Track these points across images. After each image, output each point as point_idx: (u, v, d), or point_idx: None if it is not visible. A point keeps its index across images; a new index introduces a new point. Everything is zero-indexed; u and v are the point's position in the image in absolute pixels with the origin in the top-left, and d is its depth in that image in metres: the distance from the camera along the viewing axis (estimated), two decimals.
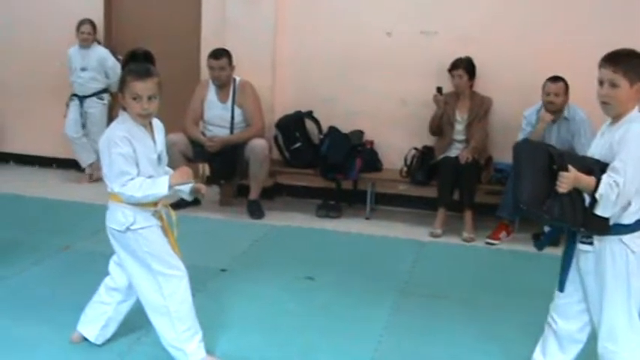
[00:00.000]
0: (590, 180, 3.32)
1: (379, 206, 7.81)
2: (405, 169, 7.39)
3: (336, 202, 7.65)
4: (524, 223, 6.88)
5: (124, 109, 3.87)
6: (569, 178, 3.31)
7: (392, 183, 7.68)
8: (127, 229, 3.84)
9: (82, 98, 8.40)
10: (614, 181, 3.26)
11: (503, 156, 7.18)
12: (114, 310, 4.18)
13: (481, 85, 7.31)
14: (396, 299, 5.22)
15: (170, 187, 3.78)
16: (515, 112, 6.97)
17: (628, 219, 3.38)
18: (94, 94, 8.41)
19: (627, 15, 7.01)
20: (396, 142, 7.62)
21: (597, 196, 3.28)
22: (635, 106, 3.43)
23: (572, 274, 3.62)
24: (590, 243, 3.46)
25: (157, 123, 3.99)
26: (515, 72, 7.25)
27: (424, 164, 7.28)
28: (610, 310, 3.47)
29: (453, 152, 7.16)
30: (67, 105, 8.46)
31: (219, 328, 4.50)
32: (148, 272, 3.89)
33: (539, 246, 3.91)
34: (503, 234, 6.78)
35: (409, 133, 7.62)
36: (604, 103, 3.45)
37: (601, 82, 3.44)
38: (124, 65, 3.92)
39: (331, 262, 6.00)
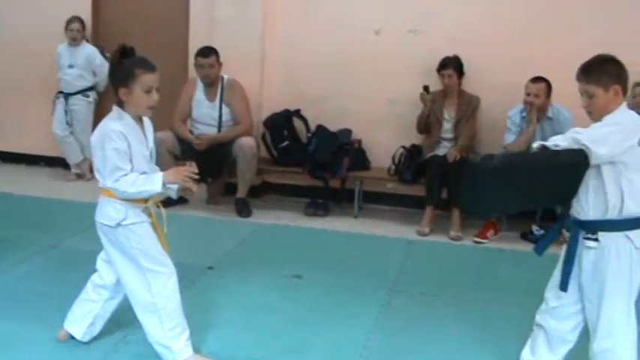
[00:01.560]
0: None
1: (367, 205, 7.81)
2: (393, 167, 7.40)
3: (323, 200, 7.65)
4: (512, 221, 6.91)
5: (120, 104, 3.84)
6: None
7: (380, 181, 7.67)
8: (118, 224, 3.83)
9: (67, 95, 8.39)
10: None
11: None
12: (101, 308, 4.16)
13: (469, 84, 7.32)
14: (385, 297, 5.22)
15: (164, 184, 3.77)
16: (503, 111, 6.97)
17: (630, 212, 3.41)
18: (79, 92, 8.40)
19: (616, 16, 7.03)
20: (384, 141, 7.62)
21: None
22: (618, 104, 3.49)
23: (572, 274, 3.63)
24: (596, 239, 3.47)
25: (146, 120, 3.98)
26: (503, 71, 7.25)
27: (412, 163, 7.28)
28: (610, 308, 3.48)
29: (441, 151, 7.17)
30: (54, 103, 8.45)
31: (206, 327, 4.49)
32: (137, 269, 3.87)
33: (539, 251, 3.86)
34: (490, 232, 6.78)
35: (397, 132, 7.62)
36: (588, 112, 3.56)
37: (581, 94, 3.54)
38: (117, 61, 3.86)
39: (319, 261, 5.99)
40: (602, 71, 3.47)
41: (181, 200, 7.23)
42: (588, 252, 3.51)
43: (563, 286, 3.61)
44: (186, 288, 4.87)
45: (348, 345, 4.39)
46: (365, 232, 6.94)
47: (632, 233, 3.42)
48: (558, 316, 3.71)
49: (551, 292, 3.75)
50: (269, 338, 4.44)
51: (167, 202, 7.12)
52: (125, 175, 3.71)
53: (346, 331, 4.59)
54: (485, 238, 6.74)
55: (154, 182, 3.75)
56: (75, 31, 8.29)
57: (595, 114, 3.51)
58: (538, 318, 3.82)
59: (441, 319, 4.88)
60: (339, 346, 4.38)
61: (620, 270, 3.44)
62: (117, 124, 3.78)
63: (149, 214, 3.93)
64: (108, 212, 3.85)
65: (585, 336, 3.67)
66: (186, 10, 8.25)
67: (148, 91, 3.77)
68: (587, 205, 3.48)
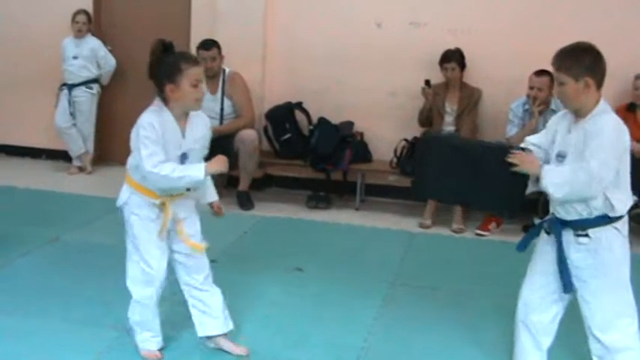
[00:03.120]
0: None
1: (369, 197, 7.81)
2: (395, 160, 7.39)
3: (325, 193, 7.64)
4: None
5: (164, 101, 3.78)
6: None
7: (381, 174, 7.68)
8: (122, 205, 3.91)
9: (71, 87, 8.41)
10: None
11: None
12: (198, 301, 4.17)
13: (470, 77, 7.31)
14: (386, 290, 5.23)
15: (206, 174, 3.77)
16: (505, 104, 6.97)
17: (620, 211, 3.43)
18: (83, 83, 8.42)
19: (618, 8, 7.02)
20: (386, 134, 7.62)
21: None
22: (595, 100, 3.46)
23: (546, 266, 3.66)
24: (586, 235, 3.47)
25: (199, 116, 3.94)
26: (505, 63, 7.25)
27: (414, 155, 7.27)
28: (610, 300, 3.51)
29: None
30: (58, 95, 8.47)
31: None
32: (129, 250, 3.97)
33: (521, 248, 3.84)
34: (492, 225, 6.78)
35: (399, 125, 7.62)
36: (560, 100, 3.63)
37: (554, 79, 3.59)
38: (157, 57, 3.80)
39: (321, 254, 5.99)
40: (575, 61, 3.46)
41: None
42: (579, 248, 3.51)
43: (567, 288, 3.57)
44: None
45: (349, 337, 4.40)
46: (367, 225, 6.94)
47: (618, 224, 3.46)
48: (540, 307, 3.72)
49: (526, 287, 3.79)
50: (271, 331, 4.45)
51: None
52: (162, 161, 3.68)
53: (348, 324, 4.60)
54: (487, 230, 6.74)
55: (196, 169, 3.74)
56: (81, 23, 8.35)
57: (565, 102, 3.55)
58: (518, 317, 3.82)
59: (443, 311, 4.88)
60: (341, 339, 4.38)
61: (615, 260, 3.47)
62: (151, 116, 3.73)
63: (163, 210, 3.90)
64: (120, 193, 3.92)
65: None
66: (188, 3, 8.23)
67: (195, 85, 3.73)
68: (572, 209, 3.48)
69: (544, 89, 6.56)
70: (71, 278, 4.52)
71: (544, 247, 3.70)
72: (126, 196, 3.90)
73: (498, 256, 6.21)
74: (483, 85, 7.25)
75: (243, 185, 7.41)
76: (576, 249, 3.52)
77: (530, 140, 3.79)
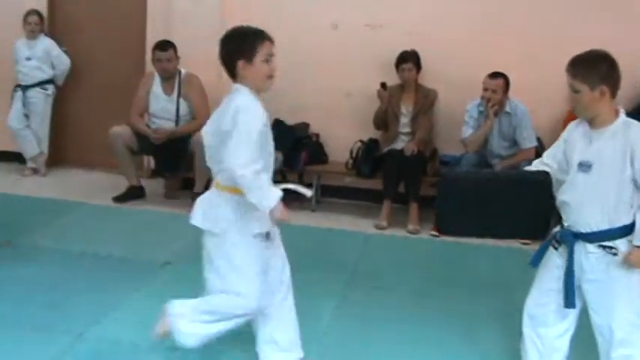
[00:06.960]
0: None
1: (325, 198, 7.81)
2: (351, 161, 7.41)
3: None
4: None
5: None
6: None
7: (338, 175, 7.69)
8: None
9: (25, 88, 8.30)
10: None
11: (448, 148, 7.26)
12: None
13: (426, 79, 7.36)
14: (343, 291, 5.24)
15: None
16: (460, 105, 7.00)
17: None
18: (37, 84, 8.31)
19: (571, 12, 7.07)
20: (342, 135, 7.63)
21: None
22: (610, 108, 3.42)
23: (553, 282, 3.60)
24: (612, 247, 3.41)
25: None
26: (461, 65, 7.29)
27: (370, 157, 7.29)
28: (623, 314, 3.44)
29: (398, 145, 7.19)
30: (12, 96, 8.36)
31: None
32: None
33: (534, 263, 3.76)
34: None
35: (355, 126, 7.64)
36: (572, 107, 3.52)
37: (569, 87, 3.48)
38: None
39: None
40: (591, 69, 3.40)
41: (138, 195, 7.23)
42: (599, 261, 3.45)
43: (570, 304, 3.53)
44: (143, 283, 4.87)
45: (305, 338, 4.37)
46: (323, 226, 6.94)
47: (631, 237, 3.39)
48: (543, 322, 3.68)
49: (531, 300, 3.73)
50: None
51: (123, 197, 7.11)
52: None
53: (304, 325, 4.55)
54: None
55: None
56: (33, 24, 8.22)
57: (579, 111, 3.48)
58: (525, 331, 3.77)
59: (399, 312, 4.90)
60: None
61: (630, 274, 3.41)
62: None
63: None
64: None
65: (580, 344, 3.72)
66: (143, 4, 8.18)
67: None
68: (592, 221, 3.44)
69: (498, 91, 6.61)
70: (23, 283, 4.45)
71: (555, 260, 3.62)
72: None
73: (453, 256, 6.26)
74: (439, 87, 7.30)
75: (199, 187, 7.35)
76: (596, 261, 3.46)
77: (544, 161, 3.70)
